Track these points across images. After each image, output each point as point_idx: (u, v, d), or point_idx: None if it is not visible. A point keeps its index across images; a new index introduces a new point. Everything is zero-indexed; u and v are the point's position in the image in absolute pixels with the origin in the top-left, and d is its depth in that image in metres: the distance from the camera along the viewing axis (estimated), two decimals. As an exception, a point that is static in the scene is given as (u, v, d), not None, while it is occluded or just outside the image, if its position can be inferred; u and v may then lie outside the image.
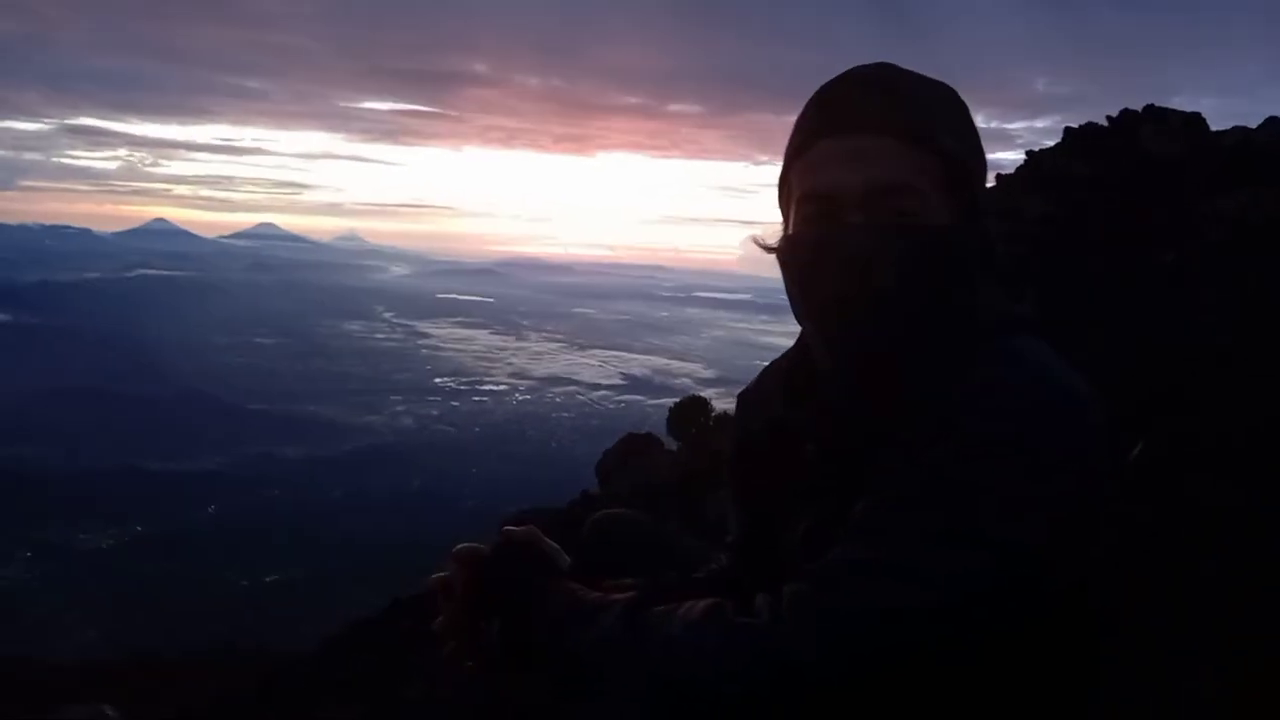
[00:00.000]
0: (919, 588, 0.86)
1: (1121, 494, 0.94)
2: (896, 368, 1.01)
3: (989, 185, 1.09)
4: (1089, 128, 8.27)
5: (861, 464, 0.98)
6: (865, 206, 0.98)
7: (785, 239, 1.06)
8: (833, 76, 1.06)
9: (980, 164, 1.06)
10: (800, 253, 1.03)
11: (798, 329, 1.13)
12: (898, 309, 0.99)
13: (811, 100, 1.06)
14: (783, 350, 1.27)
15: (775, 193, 1.12)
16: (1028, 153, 8.88)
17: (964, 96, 1.09)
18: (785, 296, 1.06)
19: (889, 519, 0.90)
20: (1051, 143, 8.75)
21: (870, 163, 0.99)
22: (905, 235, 0.98)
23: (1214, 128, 8.01)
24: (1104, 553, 0.93)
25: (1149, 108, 8.28)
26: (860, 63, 1.04)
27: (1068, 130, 8.44)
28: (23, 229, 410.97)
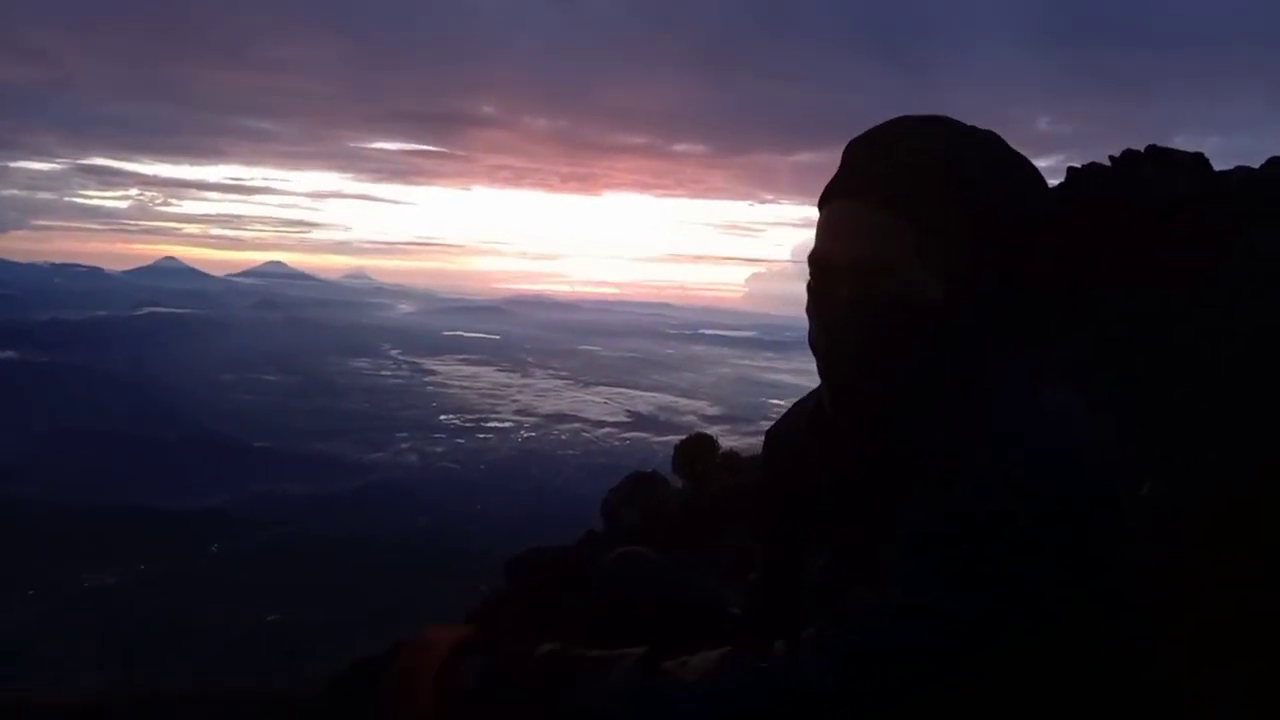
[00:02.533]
0: (933, 629, 0.88)
1: (1135, 531, 0.95)
2: (887, 427, 1.04)
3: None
4: (1092, 168, 8.33)
5: (878, 501, 1.01)
6: (850, 281, 1.03)
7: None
8: (867, 129, 1.10)
9: (995, 221, 1.02)
10: (807, 313, 1.09)
11: (802, 366, 1.16)
12: (876, 380, 1.04)
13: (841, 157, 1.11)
14: (787, 387, 1.31)
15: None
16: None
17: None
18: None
19: (903, 560, 0.92)
20: (1055, 182, 8.85)
21: (856, 236, 1.03)
22: (880, 313, 1.01)
23: (1218, 166, 8.09)
24: (1119, 590, 0.94)
25: (1151, 147, 8.34)
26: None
27: (1070, 170, 8.51)
28: (33, 267, 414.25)
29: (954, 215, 1.01)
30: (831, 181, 1.09)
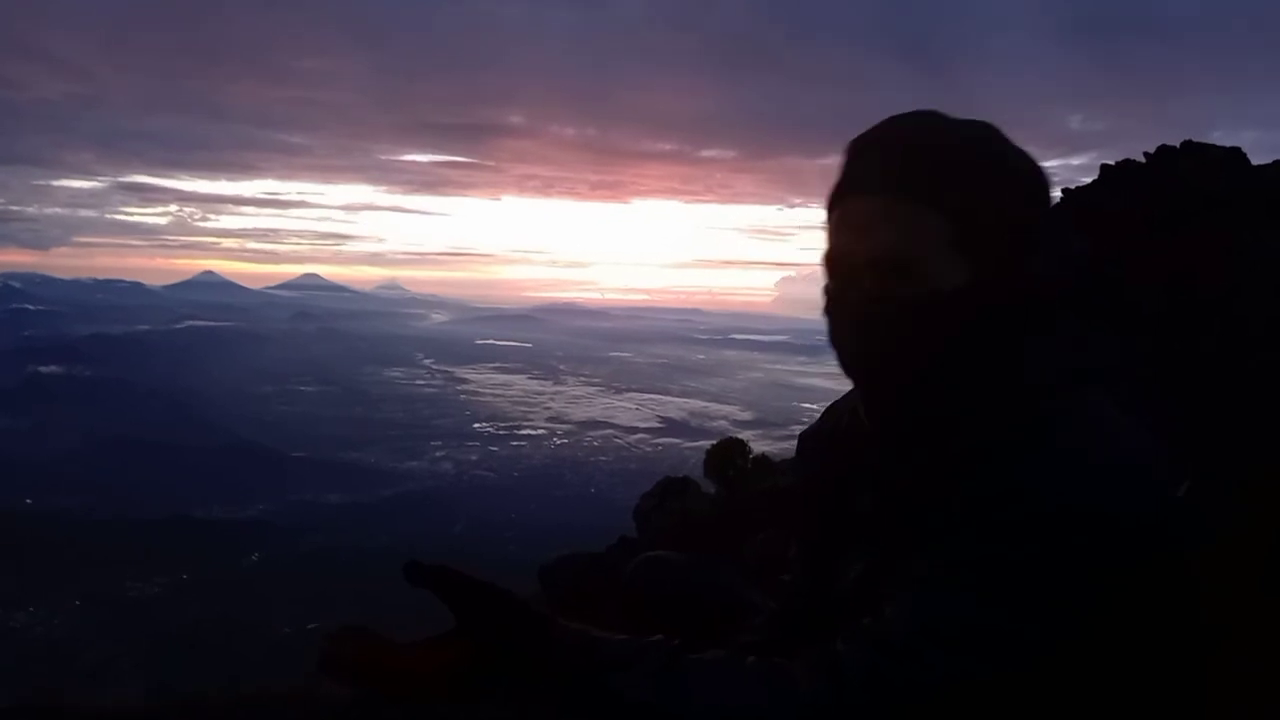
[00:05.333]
0: (979, 658, 0.86)
1: (1187, 556, 0.91)
2: (922, 428, 1.01)
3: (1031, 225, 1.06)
4: (1126, 164, 8.22)
5: (919, 511, 0.97)
6: (870, 276, 0.99)
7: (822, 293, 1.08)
8: (865, 129, 1.05)
9: (1010, 211, 0.99)
10: (824, 314, 1.06)
11: (834, 369, 1.15)
12: (902, 378, 1.01)
13: (842, 157, 1.07)
14: (819, 391, 1.32)
15: (811, 235, 1.16)
16: (1063, 190, 8.84)
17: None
18: (820, 338, 1.08)
19: (947, 586, 0.89)
20: (1087, 180, 8.72)
21: (874, 230, 0.99)
22: (902, 308, 0.98)
23: (1256, 161, 7.92)
24: (1169, 612, 0.90)
25: (1187, 143, 8.21)
26: (890, 104, 1.04)
27: (1104, 167, 8.39)
28: (76, 283, 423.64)
29: (988, 203, 0.97)
30: (840, 182, 1.05)
